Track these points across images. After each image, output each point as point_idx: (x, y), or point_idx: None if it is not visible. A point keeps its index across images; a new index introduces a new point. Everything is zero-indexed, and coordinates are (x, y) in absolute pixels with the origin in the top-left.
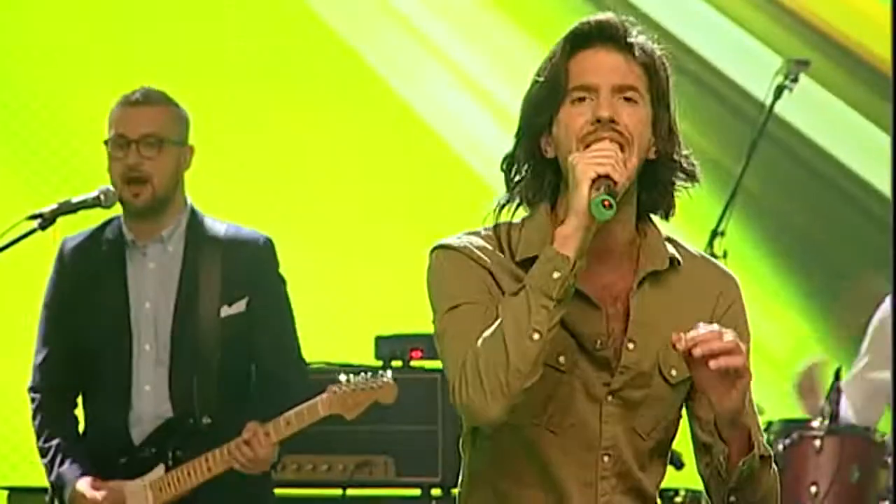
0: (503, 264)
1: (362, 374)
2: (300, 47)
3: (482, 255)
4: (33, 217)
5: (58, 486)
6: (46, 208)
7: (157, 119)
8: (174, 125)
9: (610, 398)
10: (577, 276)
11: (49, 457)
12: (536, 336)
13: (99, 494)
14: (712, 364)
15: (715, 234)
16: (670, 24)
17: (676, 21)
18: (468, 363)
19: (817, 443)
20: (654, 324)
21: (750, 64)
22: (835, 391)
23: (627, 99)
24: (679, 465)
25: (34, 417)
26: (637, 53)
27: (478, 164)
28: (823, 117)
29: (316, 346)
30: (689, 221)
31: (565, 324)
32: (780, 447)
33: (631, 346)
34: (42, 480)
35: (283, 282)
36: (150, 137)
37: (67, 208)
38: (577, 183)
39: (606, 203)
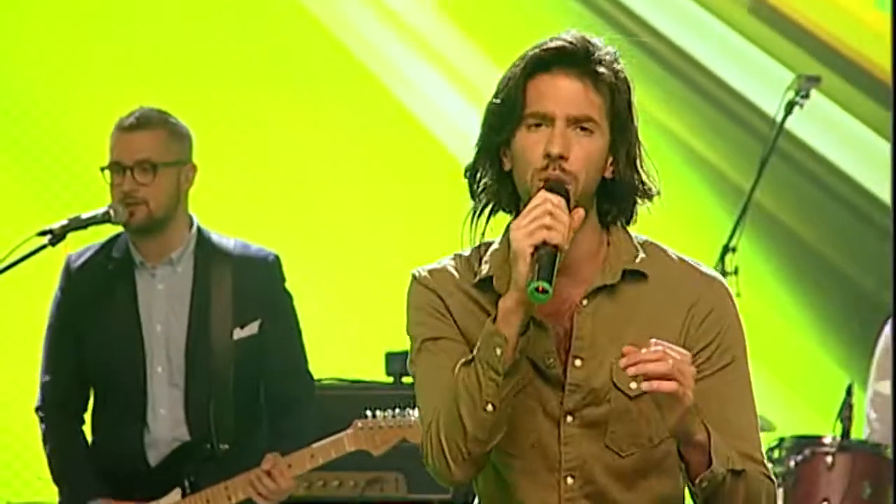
0: (459, 285)
1: (389, 410)
2: (307, 60)
3: (432, 279)
4: (43, 233)
5: None
6: (56, 224)
7: (152, 143)
8: (170, 146)
9: (569, 419)
10: (523, 349)
11: (60, 478)
12: (490, 408)
13: None
14: (643, 386)
15: (726, 249)
16: (680, 40)
17: (686, 36)
18: (432, 430)
19: (829, 459)
20: (607, 338)
21: (760, 80)
22: (846, 407)
23: (584, 128)
24: None
25: (43, 438)
26: (597, 79)
27: None
28: (834, 133)
29: (327, 363)
30: (700, 237)
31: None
32: (792, 463)
33: (578, 362)
34: (54, 497)
35: (290, 298)
36: (144, 163)
37: (77, 224)
38: (515, 257)
39: (541, 289)
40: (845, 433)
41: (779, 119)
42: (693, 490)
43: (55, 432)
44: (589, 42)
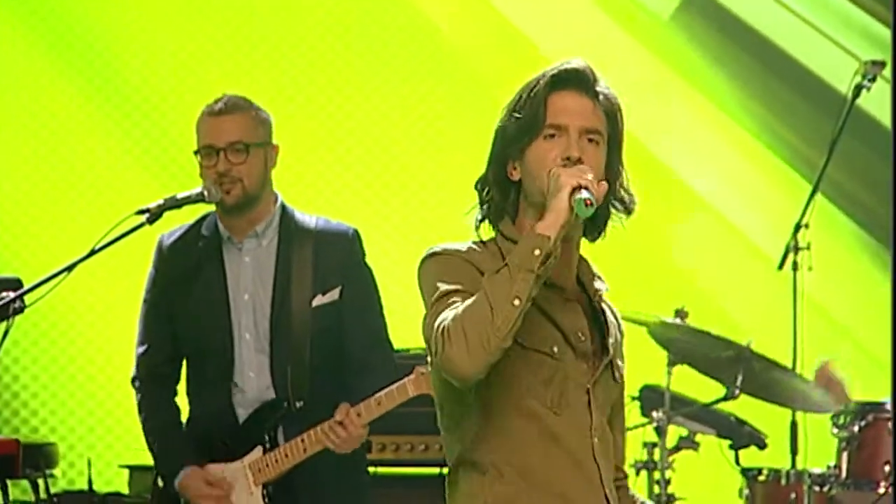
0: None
1: None
2: (390, 39)
3: (469, 254)
4: (141, 212)
5: (166, 475)
6: (153, 204)
7: (241, 126)
8: (257, 129)
9: (592, 388)
10: (556, 257)
11: (153, 445)
12: (517, 302)
13: (209, 489)
14: None
15: (798, 226)
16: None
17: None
18: (449, 322)
19: (890, 424)
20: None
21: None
22: None
23: (591, 140)
24: (762, 446)
25: (138, 407)
26: (602, 101)
27: None
28: None
29: (413, 334)
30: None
31: (552, 319)
32: (856, 428)
33: (611, 339)
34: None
35: (370, 271)
36: (236, 144)
37: (173, 204)
38: (558, 188)
39: (588, 202)
40: None
41: (848, 101)
42: None
43: (149, 402)
44: (594, 72)
